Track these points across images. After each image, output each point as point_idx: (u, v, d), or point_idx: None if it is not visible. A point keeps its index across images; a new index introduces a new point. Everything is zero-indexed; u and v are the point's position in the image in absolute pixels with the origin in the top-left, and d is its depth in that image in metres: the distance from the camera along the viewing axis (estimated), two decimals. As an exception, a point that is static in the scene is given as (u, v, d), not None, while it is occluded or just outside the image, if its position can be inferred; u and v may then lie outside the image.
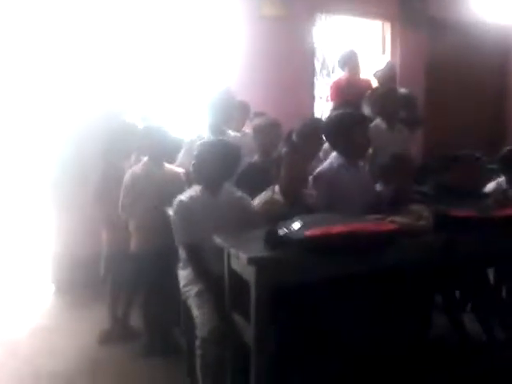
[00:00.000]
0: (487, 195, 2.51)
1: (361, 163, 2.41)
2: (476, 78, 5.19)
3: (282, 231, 1.58)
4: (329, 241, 1.50)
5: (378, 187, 2.30)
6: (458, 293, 2.63)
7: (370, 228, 1.60)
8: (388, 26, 4.83)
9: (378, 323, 1.93)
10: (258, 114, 3.29)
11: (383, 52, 4.84)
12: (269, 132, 2.61)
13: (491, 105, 5.44)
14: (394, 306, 1.96)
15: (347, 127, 2.19)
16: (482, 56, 5.17)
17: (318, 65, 4.73)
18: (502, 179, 2.83)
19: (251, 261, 1.49)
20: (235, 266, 1.68)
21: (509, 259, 2.14)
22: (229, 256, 1.71)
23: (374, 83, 4.23)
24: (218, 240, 1.74)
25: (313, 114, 4.36)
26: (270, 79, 3.99)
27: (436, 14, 4.80)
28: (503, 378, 2.16)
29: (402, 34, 4.79)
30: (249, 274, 1.54)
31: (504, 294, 2.72)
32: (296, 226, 1.58)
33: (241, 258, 1.54)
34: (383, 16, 4.77)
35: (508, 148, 2.94)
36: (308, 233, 1.50)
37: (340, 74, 4.24)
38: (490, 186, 2.81)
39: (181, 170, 2.64)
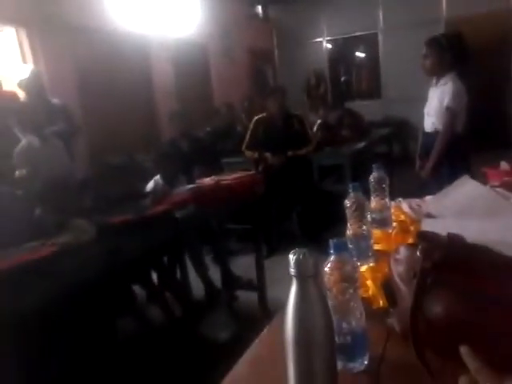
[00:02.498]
0: (147, 194, 2.77)
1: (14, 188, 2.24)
2: (125, 83, 5.56)
3: None
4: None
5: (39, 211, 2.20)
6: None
7: (22, 259, 1.52)
8: (24, 33, 4.57)
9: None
10: None
11: (24, 60, 4.56)
12: None
13: (142, 107, 5.93)
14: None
15: None
16: (128, 61, 5.57)
17: None
18: (157, 177, 3.16)
19: None
20: None
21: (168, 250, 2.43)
22: None
23: (21, 94, 3.98)
24: None
25: None
26: None
27: (76, 21, 4.84)
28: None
29: (41, 41, 4.62)
30: None
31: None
32: None
33: None
34: (15, 21, 4.46)
35: (158, 149, 3.30)
36: None
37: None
38: (149, 185, 3.10)
39: None
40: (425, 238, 0.86)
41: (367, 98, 8.57)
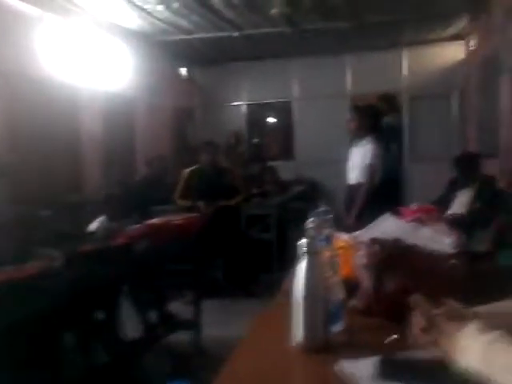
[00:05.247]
0: (92, 233, 2.89)
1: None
2: (54, 131, 5.59)
3: None
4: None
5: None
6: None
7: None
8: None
9: None
10: None
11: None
12: None
13: (68, 156, 5.93)
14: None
15: None
16: (56, 110, 5.63)
17: None
18: (102, 218, 3.28)
19: None
20: None
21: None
22: None
23: None
24: None
25: None
26: None
27: (7, 67, 4.87)
28: None
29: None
30: None
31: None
32: None
33: None
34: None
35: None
36: None
37: None
38: (93, 225, 3.20)
39: None
40: (377, 240, 1.22)
41: (281, 158, 9.24)
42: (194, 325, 3.21)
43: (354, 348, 1.05)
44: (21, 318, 1.59)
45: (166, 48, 7.54)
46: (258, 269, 4.65)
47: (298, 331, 1.01)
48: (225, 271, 4.75)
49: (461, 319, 0.88)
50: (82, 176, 5.98)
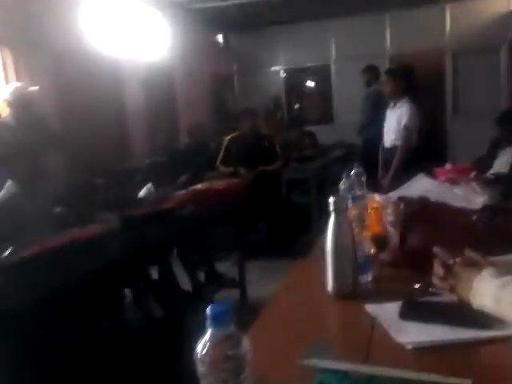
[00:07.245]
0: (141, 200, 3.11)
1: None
2: (100, 105, 5.82)
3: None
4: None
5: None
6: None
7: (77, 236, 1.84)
8: (8, 53, 4.79)
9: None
10: None
11: (6, 80, 4.76)
12: None
13: (114, 127, 6.20)
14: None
15: None
16: (100, 82, 5.85)
17: None
18: (149, 185, 3.49)
19: None
20: None
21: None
22: None
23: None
24: None
25: None
26: None
27: (58, 44, 5.10)
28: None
29: (24, 61, 4.85)
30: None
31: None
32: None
33: None
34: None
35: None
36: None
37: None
38: (142, 192, 3.43)
39: None
40: (403, 198, 1.32)
41: (321, 123, 9.18)
42: (239, 283, 3.42)
43: (381, 295, 1.17)
44: (85, 273, 1.80)
45: (201, 15, 7.57)
46: (298, 230, 4.80)
47: (329, 280, 1.14)
48: (267, 233, 4.93)
49: (476, 266, 0.98)
50: (129, 145, 6.26)
